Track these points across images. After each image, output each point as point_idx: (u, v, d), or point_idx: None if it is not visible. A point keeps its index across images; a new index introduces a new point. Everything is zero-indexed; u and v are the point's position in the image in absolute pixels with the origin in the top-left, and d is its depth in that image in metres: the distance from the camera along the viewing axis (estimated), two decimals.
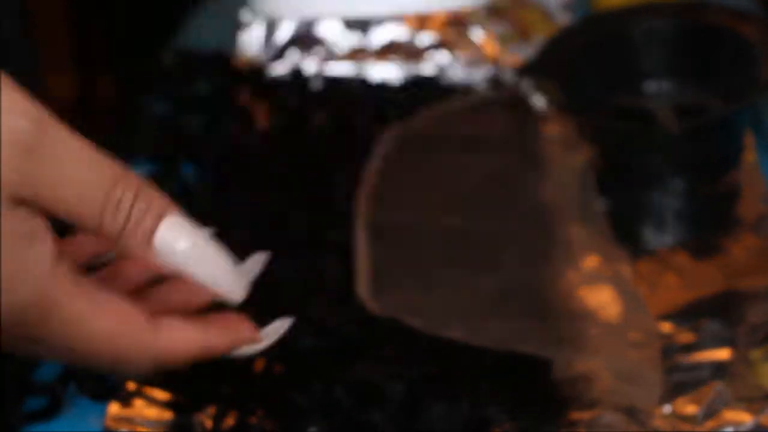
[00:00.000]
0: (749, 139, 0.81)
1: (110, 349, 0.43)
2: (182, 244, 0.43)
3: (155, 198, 0.43)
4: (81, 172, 0.41)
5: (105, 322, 0.43)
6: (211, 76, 0.92)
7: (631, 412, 0.59)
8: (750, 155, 0.80)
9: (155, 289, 0.47)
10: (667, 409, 0.60)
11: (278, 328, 0.47)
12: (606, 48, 0.85)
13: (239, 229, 0.70)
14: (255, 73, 0.92)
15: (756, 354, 0.62)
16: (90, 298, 0.43)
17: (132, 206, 0.42)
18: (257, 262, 0.49)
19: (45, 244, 0.42)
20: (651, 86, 0.85)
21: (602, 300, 0.68)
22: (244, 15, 0.95)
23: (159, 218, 0.43)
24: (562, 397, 0.61)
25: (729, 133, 0.79)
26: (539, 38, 0.94)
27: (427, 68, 0.93)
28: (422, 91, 0.91)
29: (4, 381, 0.63)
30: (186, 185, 0.80)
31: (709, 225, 0.75)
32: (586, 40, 0.85)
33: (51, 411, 0.63)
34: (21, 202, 0.41)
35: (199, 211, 0.78)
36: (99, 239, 0.43)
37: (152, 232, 0.43)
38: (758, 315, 0.65)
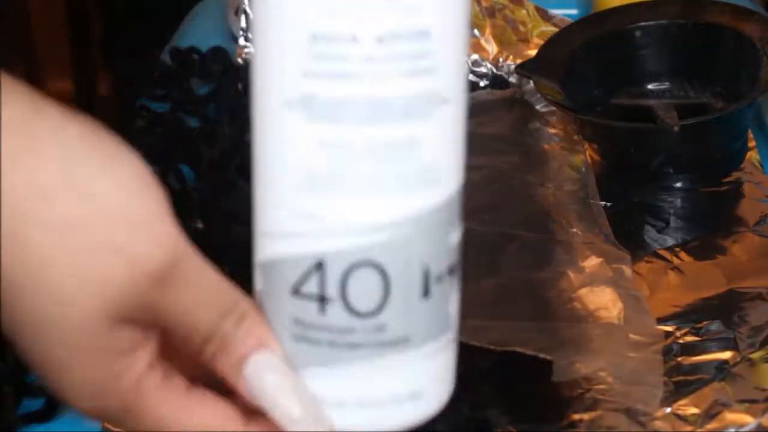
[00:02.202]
0: (750, 139, 0.81)
1: None
2: (268, 380, 0.43)
3: (256, 329, 0.43)
4: (198, 304, 0.42)
5: (198, 421, 0.44)
6: (210, 76, 0.92)
7: (631, 414, 0.59)
8: (751, 155, 0.80)
9: None
10: (667, 410, 0.60)
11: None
12: (606, 48, 0.85)
13: (239, 229, 0.70)
14: None
15: (757, 355, 0.62)
16: (179, 403, 0.44)
17: (231, 334, 0.43)
18: None
19: (137, 357, 0.42)
20: (651, 86, 0.85)
21: (603, 301, 0.67)
22: (244, 14, 0.95)
23: (253, 348, 0.43)
24: (562, 398, 0.61)
25: (730, 132, 0.79)
26: (538, 38, 0.94)
27: None
28: None
29: (0, 383, 0.63)
30: (186, 185, 0.80)
31: (710, 225, 0.75)
32: (586, 40, 0.85)
33: (48, 413, 0.62)
34: (129, 321, 0.41)
35: (198, 211, 0.79)
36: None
37: (243, 359, 0.43)
38: (759, 316, 0.65)
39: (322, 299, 0.42)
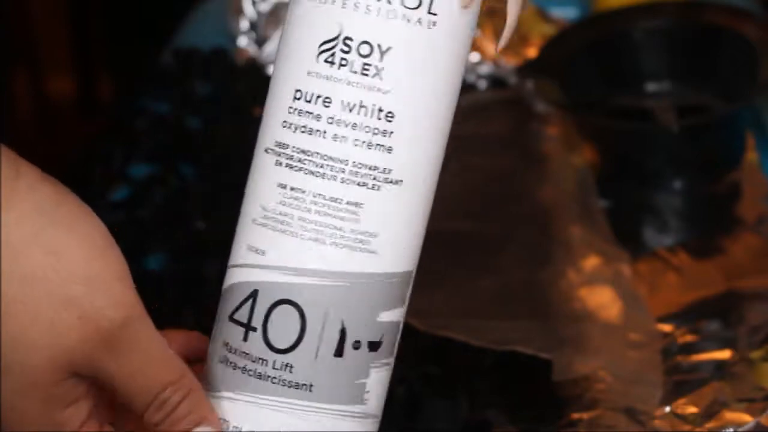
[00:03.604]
0: (749, 139, 0.81)
1: None
2: None
3: (199, 406, 0.46)
4: (143, 371, 0.44)
5: None
6: (210, 76, 0.92)
7: (631, 413, 0.59)
8: (750, 155, 0.80)
9: None
10: (667, 409, 0.60)
11: None
12: (606, 48, 0.85)
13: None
14: (255, 72, 0.92)
15: (756, 354, 0.62)
16: None
17: (175, 408, 0.45)
18: None
19: (79, 407, 0.45)
20: (651, 86, 0.85)
21: (602, 300, 0.68)
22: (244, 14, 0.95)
23: (195, 424, 0.46)
24: (562, 398, 0.61)
25: (729, 132, 0.79)
26: (538, 38, 0.94)
27: None
28: None
29: None
30: (186, 185, 0.80)
31: (709, 225, 0.75)
32: (586, 40, 0.85)
33: None
34: (76, 374, 0.44)
35: (199, 211, 0.79)
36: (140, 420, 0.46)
37: None
38: (758, 315, 0.65)
39: (248, 327, 0.46)
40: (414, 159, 0.46)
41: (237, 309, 0.46)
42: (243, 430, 0.46)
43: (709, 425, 0.58)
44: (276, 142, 0.46)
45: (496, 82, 0.93)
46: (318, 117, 0.45)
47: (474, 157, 0.82)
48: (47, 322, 0.43)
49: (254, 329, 0.46)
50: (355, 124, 0.44)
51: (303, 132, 0.45)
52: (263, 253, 0.46)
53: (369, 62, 0.44)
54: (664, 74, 0.85)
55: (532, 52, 0.93)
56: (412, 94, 0.45)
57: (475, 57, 0.94)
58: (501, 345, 0.63)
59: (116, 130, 0.90)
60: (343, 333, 0.45)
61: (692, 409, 0.59)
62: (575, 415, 0.59)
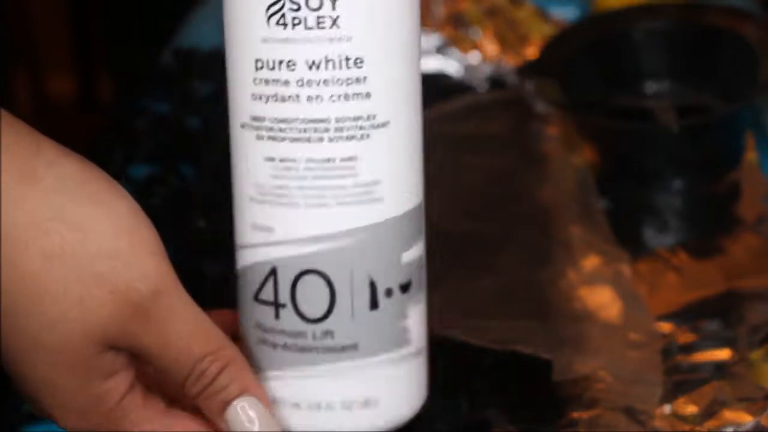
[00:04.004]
0: (749, 139, 0.81)
1: None
2: (250, 421, 0.45)
3: (239, 376, 0.46)
4: (178, 343, 0.44)
5: None
6: (210, 76, 0.92)
7: (630, 413, 0.59)
8: (750, 155, 0.80)
9: None
10: (666, 409, 0.60)
11: None
12: (606, 48, 0.85)
13: None
14: None
15: (756, 354, 0.62)
16: (159, 421, 0.46)
17: (214, 379, 0.45)
18: None
19: (120, 379, 0.45)
20: (651, 86, 0.85)
21: (602, 300, 0.68)
22: None
23: (236, 395, 0.45)
24: (561, 398, 0.61)
25: (729, 132, 0.79)
26: (538, 38, 0.94)
27: (427, 68, 0.93)
28: (422, 91, 0.90)
29: (3, 380, 0.63)
30: (186, 185, 0.80)
31: (709, 225, 0.75)
32: (586, 40, 0.85)
33: None
34: (113, 347, 0.44)
35: (199, 211, 0.79)
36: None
37: (227, 404, 0.45)
38: (758, 315, 0.65)
39: (277, 304, 0.45)
40: (394, 96, 0.44)
41: (260, 289, 0.45)
42: (301, 405, 0.46)
43: (709, 425, 0.58)
44: (251, 116, 0.44)
45: (496, 82, 0.93)
46: (286, 83, 0.43)
47: (474, 157, 0.82)
48: (77, 299, 0.43)
49: (283, 305, 0.45)
50: (326, 80, 0.43)
51: (275, 101, 0.43)
52: (271, 230, 0.45)
53: (322, 14, 0.43)
54: (664, 74, 0.85)
55: (532, 52, 0.93)
56: (375, 33, 0.43)
57: (475, 57, 0.94)
58: (501, 345, 0.63)
59: (116, 130, 0.90)
60: (373, 286, 0.45)
61: (692, 409, 0.59)
62: (575, 415, 0.59)
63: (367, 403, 0.46)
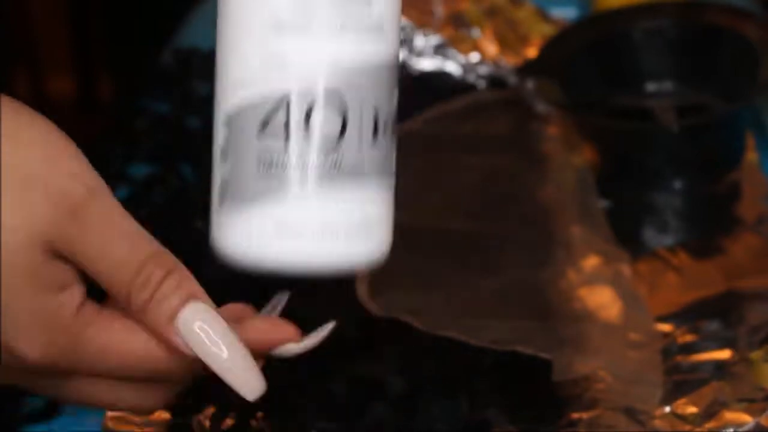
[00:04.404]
0: (749, 139, 0.81)
1: (148, 361, 0.46)
2: (201, 329, 0.45)
3: (185, 281, 0.45)
4: (119, 243, 0.44)
5: (140, 337, 0.45)
6: (210, 76, 0.92)
7: (630, 413, 0.59)
8: (750, 155, 0.80)
9: None
10: (666, 409, 0.60)
11: (321, 331, 0.48)
12: (606, 48, 0.85)
13: None
14: None
15: (756, 355, 0.62)
16: (120, 325, 0.45)
17: (160, 284, 0.44)
18: (276, 305, 0.50)
19: (73, 291, 0.44)
20: (651, 86, 0.85)
21: (602, 300, 0.68)
22: None
23: (184, 300, 0.45)
24: (561, 398, 0.61)
25: (729, 132, 0.79)
26: (538, 38, 0.94)
27: (427, 68, 0.93)
28: (422, 91, 0.90)
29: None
30: (186, 185, 0.80)
31: (709, 225, 0.75)
32: (586, 40, 0.85)
33: (50, 411, 0.63)
34: (58, 255, 0.44)
35: (199, 211, 0.79)
36: (128, 309, 0.45)
37: (175, 311, 0.45)
38: (758, 315, 0.65)
39: (287, 135, 0.47)
40: None
41: (268, 121, 0.47)
42: (305, 234, 0.47)
43: (709, 425, 0.58)
44: None
45: (496, 82, 0.93)
46: None
47: (474, 157, 0.82)
48: (16, 204, 0.43)
49: (293, 135, 0.47)
50: None
51: None
52: (289, 62, 0.47)
53: None
54: (664, 74, 0.85)
55: (532, 52, 0.93)
56: None
57: (475, 57, 0.94)
58: (501, 345, 0.63)
59: (116, 130, 0.90)
60: (376, 118, 0.47)
61: (692, 409, 0.59)
62: (575, 415, 0.59)
63: (366, 226, 0.48)
